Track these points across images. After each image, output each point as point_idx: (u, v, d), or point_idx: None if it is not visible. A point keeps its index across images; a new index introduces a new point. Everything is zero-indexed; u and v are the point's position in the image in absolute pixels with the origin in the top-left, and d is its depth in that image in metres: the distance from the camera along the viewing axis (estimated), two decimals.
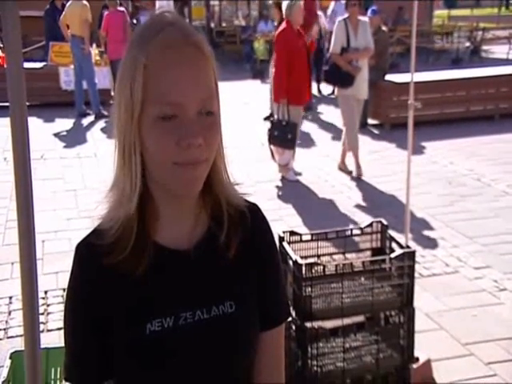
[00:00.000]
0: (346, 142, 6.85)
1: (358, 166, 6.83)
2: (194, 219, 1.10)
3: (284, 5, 6.44)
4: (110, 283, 1.04)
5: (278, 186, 6.51)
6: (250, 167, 6.96)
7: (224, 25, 20.61)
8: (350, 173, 6.86)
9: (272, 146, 6.62)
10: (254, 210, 1.18)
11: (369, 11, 9.48)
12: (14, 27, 1.45)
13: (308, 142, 8.42)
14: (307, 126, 9.38)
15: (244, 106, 10.74)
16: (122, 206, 1.02)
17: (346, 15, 6.78)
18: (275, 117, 6.48)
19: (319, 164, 7.34)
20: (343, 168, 7.00)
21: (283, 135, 6.35)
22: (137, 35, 0.99)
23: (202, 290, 1.08)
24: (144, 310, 1.04)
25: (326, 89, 12.25)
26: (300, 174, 6.89)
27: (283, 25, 6.47)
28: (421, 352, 3.10)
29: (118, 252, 1.02)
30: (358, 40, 6.66)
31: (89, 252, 1.06)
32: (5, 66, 1.27)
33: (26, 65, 7.20)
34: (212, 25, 19.83)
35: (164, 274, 1.06)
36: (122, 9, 10.15)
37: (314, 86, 12.38)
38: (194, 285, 1.08)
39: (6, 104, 1.20)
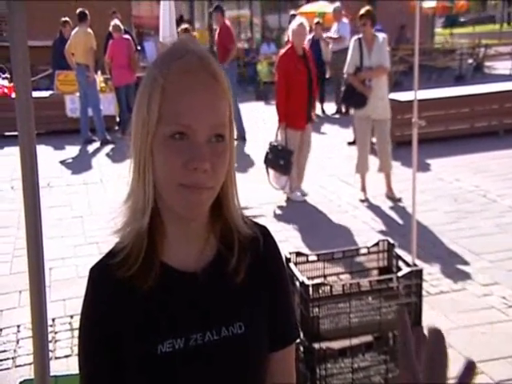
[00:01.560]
0: (359, 164, 6.74)
1: (363, 189, 6.79)
2: (203, 243, 1.12)
3: (289, 28, 6.46)
4: (121, 299, 1.07)
5: (282, 207, 6.53)
6: (253, 189, 6.98)
7: None
8: (398, 200, 6.57)
9: (269, 169, 6.63)
10: (264, 233, 1.20)
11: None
12: (23, 59, 1.49)
13: (312, 161, 8.44)
14: (313, 143, 9.40)
15: (247, 127, 10.79)
16: (136, 220, 1.06)
17: (360, 35, 6.68)
18: (276, 143, 6.52)
19: (324, 183, 7.36)
20: (390, 195, 6.68)
21: (276, 160, 6.37)
22: (159, 58, 1.04)
23: (211, 311, 1.10)
24: (153, 328, 1.06)
25: (330, 108, 12.33)
26: (306, 195, 6.89)
27: (286, 47, 6.52)
28: None
29: (128, 267, 1.05)
30: (372, 58, 6.50)
31: (102, 272, 1.10)
32: (12, 95, 1.30)
33: (33, 94, 7.33)
34: (215, 48, 20.05)
35: (172, 295, 1.09)
36: (126, 36, 10.28)
37: (318, 106, 12.47)
38: (203, 307, 1.10)
39: (14, 133, 1.24)
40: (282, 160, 6.32)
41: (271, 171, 6.62)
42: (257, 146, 9.44)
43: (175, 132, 0.98)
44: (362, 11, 6.65)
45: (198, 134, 0.98)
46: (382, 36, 6.64)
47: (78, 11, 9.81)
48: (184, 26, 10.16)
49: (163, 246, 1.09)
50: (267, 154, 6.49)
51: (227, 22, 9.86)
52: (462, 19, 38.71)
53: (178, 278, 1.09)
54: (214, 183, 1.02)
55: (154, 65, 1.03)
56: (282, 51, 6.59)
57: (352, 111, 6.86)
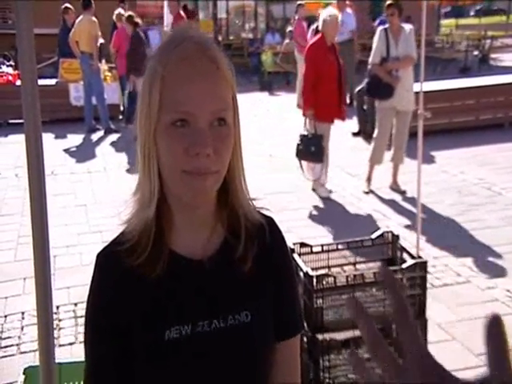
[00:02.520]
0: (374, 155, 6.65)
1: (368, 180, 6.75)
2: (210, 230, 1.12)
3: (320, 18, 6.33)
4: (128, 287, 1.07)
5: (287, 198, 6.51)
6: (259, 179, 6.98)
7: (231, 38, 20.74)
8: (402, 192, 6.55)
9: (302, 161, 6.47)
10: (270, 223, 1.20)
11: (376, 22, 9.50)
12: (29, 46, 1.48)
13: None
14: None
15: (252, 117, 10.77)
16: (143, 210, 1.06)
17: (387, 25, 6.57)
18: (302, 130, 6.38)
19: (329, 175, 7.34)
20: (395, 187, 6.68)
21: (307, 148, 6.21)
22: (158, 48, 1.04)
23: (218, 299, 1.10)
24: (161, 316, 1.07)
25: None
26: (332, 192, 6.71)
27: (316, 37, 6.40)
28: None
29: (136, 256, 1.05)
30: (399, 49, 6.35)
31: (109, 258, 1.10)
32: (17, 83, 1.29)
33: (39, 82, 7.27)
34: (219, 38, 19.97)
35: (179, 282, 1.09)
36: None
37: None
38: (210, 294, 1.10)
39: (18, 121, 1.23)
40: (313, 146, 6.17)
41: (304, 163, 6.50)
42: (262, 135, 9.43)
43: (176, 119, 0.98)
44: (390, 1, 6.46)
45: (199, 120, 0.98)
46: (408, 27, 6.52)
47: None
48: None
49: (171, 234, 1.09)
50: (298, 145, 6.33)
51: (181, 12, 9.61)
52: (470, 12, 38.48)
53: (186, 266, 1.09)
54: (219, 167, 1.01)
55: (154, 55, 1.04)
56: (312, 40, 6.44)
57: (377, 104, 6.69)
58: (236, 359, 1.09)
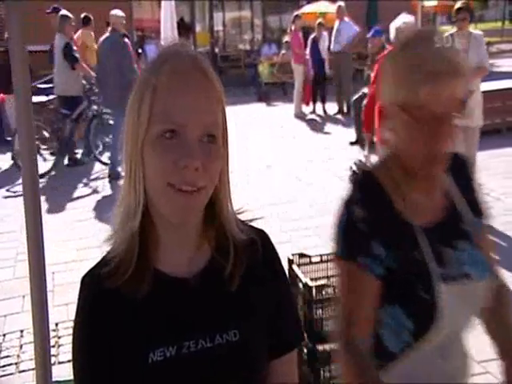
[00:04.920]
0: None
1: None
2: (195, 248, 1.10)
3: (392, 27, 5.40)
4: (111, 308, 1.05)
5: (285, 208, 6.51)
6: (257, 190, 6.98)
7: (229, 50, 20.82)
8: None
9: None
10: (262, 237, 1.18)
11: (371, 32, 9.52)
12: (23, 64, 1.49)
13: (314, 162, 8.44)
14: (314, 147, 9.42)
15: (249, 129, 10.79)
16: (127, 222, 1.05)
17: (454, 30, 5.81)
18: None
19: (327, 184, 7.34)
20: None
21: None
22: (151, 60, 1.04)
23: (204, 318, 1.07)
24: (145, 337, 1.04)
25: (332, 109, 12.32)
26: None
27: (388, 49, 5.45)
28: None
29: (119, 276, 1.03)
30: (470, 57, 5.47)
31: (91, 280, 1.08)
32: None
33: (34, 99, 7.26)
34: (216, 50, 20.05)
35: (164, 301, 1.07)
36: (125, 40, 10.26)
37: (319, 106, 12.48)
38: (196, 313, 1.07)
39: None
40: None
41: None
42: (259, 146, 9.44)
43: (166, 130, 0.97)
44: (459, 4, 5.78)
45: (189, 132, 0.98)
46: (478, 33, 5.91)
47: (82, 15, 9.82)
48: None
49: (156, 254, 1.07)
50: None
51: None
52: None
53: (170, 284, 1.07)
54: (206, 183, 1.00)
55: (147, 67, 1.04)
56: (386, 51, 5.46)
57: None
58: (224, 379, 1.06)
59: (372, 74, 6.40)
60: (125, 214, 1.06)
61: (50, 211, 6.49)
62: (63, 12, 8.61)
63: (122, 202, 1.07)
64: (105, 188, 7.53)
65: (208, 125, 0.99)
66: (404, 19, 5.32)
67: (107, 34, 8.08)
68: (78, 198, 7.24)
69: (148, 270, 1.05)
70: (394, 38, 5.33)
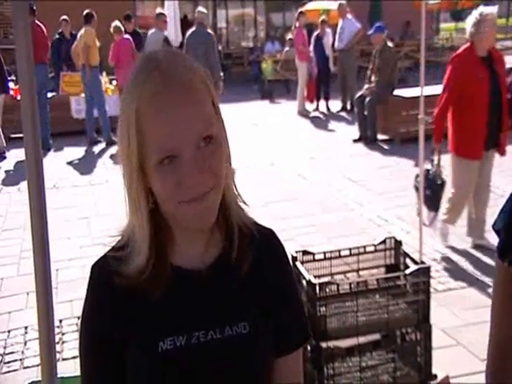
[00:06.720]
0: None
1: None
2: (208, 240, 1.11)
3: (468, 21, 4.82)
4: (124, 304, 1.06)
5: (288, 206, 6.51)
6: (260, 188, 6.98)
7: (232, 47, 20.81)
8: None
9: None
10: (270, 235, 1.20)
11: (373, 28, 9.51)
12: (28, 60, 1.49)
13: (318, 159, 8.44)
14: (318, 144, 9.41)
15: (253, 126, 10.79)
16: (137, 248, 1.06)
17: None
18: (430, 168, 4.98)
19: (330, 181, 7.34)
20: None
21: (425, 190, 4.75)
22: (129, 81, 1.01)
23: (215, 310, 1.09)
24: (157, 328, 1.06)
25: (335, 106, 12.31)
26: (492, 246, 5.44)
27: (463, 48, 4.88)
28: (439, 369, 3.07)
29: (137, 275, 1.04)
30: None
31: (103, 274, 1.09)
32: (18, 97, 1.30)
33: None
34: (219, 47, 20.07)
35: (177, 294, 1.08)
36: (127, 36, 10.27)
37: (323, 103, 12.47)
38: (207, 305, 1.09)
39: (20, 135, 1.24)
40: (429, 189, 4.89)
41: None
42: (262, 144, 9.44)
43: (162, 158, 0.98)
44: None
45: (185, 151, 0.97)
46: None
47: (84, 12, 9.82)
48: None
49: (172, 251, 1.09)
50: (416, 176, 4.93)
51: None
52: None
53: (185, 277, 1.09)
54: (215, 182, 1.01)
55: (126, 90, 1.02)
56: (459, 51, 4.93)
57: None
58: (233, 372, 1.07)
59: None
60: (134, 240, 1.08)
61: (52, 208, 6.50)
62: None
63: (127, 228, 1.10)
64: (109, 185, 7.54)
65: (201, 131, 0.98)
66: (483, 10, 4.71)
67: (193, 28, 8.69)
68: (81, 194, 7.26)
69: (166, 270, 1.06)
70: (470, 32, 4.72)
